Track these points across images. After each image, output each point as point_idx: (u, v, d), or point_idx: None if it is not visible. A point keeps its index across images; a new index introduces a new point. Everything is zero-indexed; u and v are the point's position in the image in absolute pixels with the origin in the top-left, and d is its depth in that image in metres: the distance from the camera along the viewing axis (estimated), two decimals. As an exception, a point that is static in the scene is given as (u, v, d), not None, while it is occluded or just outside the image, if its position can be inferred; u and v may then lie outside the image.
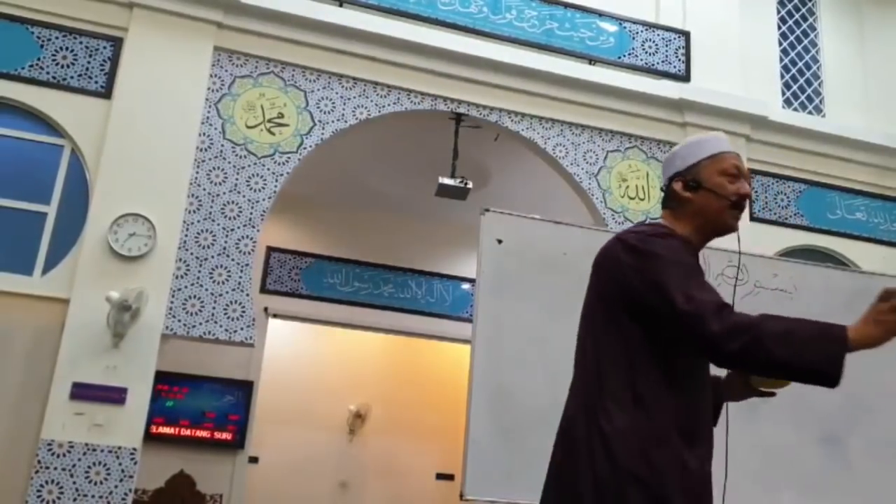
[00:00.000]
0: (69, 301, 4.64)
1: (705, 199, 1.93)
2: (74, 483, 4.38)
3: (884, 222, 6.54)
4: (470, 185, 5.90)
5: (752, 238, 5.87)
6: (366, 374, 8.69)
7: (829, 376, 1.60)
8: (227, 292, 4.91)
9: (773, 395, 1.90)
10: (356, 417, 8.59)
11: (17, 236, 4.80)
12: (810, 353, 1.62)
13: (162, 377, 5.60)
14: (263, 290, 7.65)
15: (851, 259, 6.31)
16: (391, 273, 8.18)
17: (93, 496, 4.39)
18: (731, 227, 1.96)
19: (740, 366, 1.74)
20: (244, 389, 7.31)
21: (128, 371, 4.60)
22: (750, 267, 4.46)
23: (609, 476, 1.70)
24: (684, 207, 1.97)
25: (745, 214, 5.98)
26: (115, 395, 4.55)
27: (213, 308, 4.87)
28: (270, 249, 7.77)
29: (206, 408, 7.14)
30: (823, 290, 4.40)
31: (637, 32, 6.25)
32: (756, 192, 6.26)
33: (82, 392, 4.50)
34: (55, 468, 4.38)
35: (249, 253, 5.02)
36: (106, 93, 5.06)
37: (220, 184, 5.08)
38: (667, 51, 6.30)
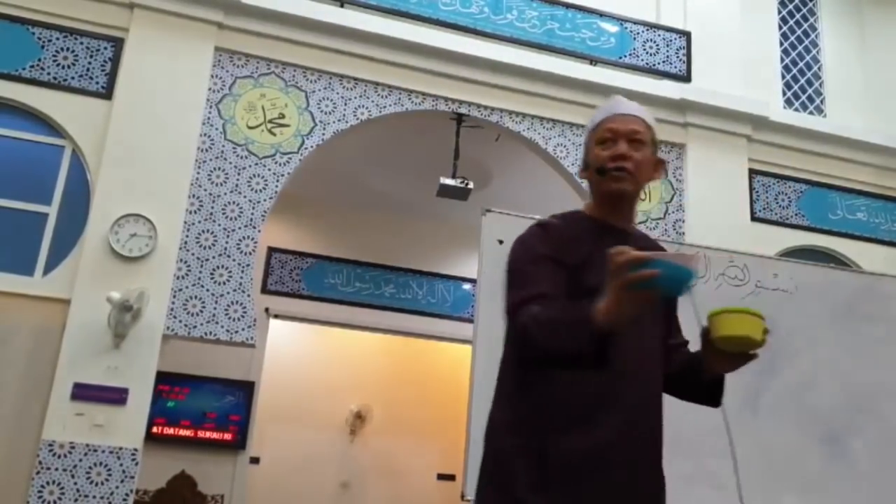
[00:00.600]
0: (70, 301, 4.64)
1: (591, 175, 1.93)
2: (75, 484, 4.38)
3: (885, 222, 6.54)
4: (471, 186, 5.90)
5: (753, 238, 5.87)
6: (367, 375, 8.69)
7: (589, 360, 1.54)
8: (228, 293, 4.91)
9: (754, 356, 1.71)
10: (357, 418, 8.60)
11: (17, 237, 4.80)
12: (568, 341, 1.56)
13: (163, 377, 5.59)
14: (264, 290, 7.64)
15: (853, 259, 6.30)
16: (392, 273, 8.18)
17: (94, 497, 4.39)
18: (615, 192, 1.89)
19: (536, 363, 1.70)
20: (245, 390, 7.31)
21: (129, 371, 4.60)
22: (750, 267, 4.45)
23: (481, 470, 1.78)
24: (590, 189, 1.99)
25: (746, 214, 6.02)
26: (116, 396, 4.55)
27: (215, 308, 4.87)
28: (271, 250, 7.77)
29: (207, 408, 7.14)
30: (824, 290, 4.40)
31: (638, 33, 6.25)
32: (757, 192, 6.25)
33: (83, 392, 4.50)
34: (56, 469, 4.38)
35: (250, 253, 5.02)
36: (107, 93, 5.06)
37: (220, 184, 5.08)
38: (668, 51, 6.30)
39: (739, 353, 1.69)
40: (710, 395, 1.93)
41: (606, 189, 1.89)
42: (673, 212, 5.91)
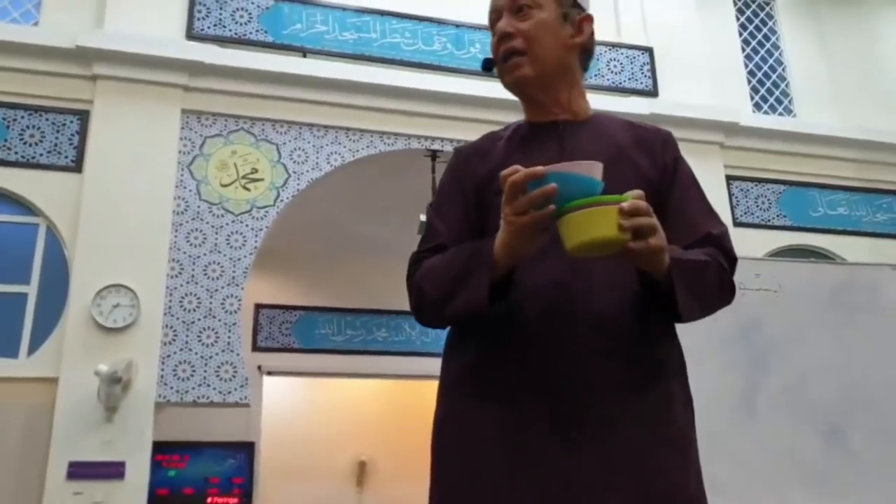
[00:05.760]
0: (58, 379, 4.57)
1: None
2: (79, 565, 4.28)
3: (866, 214, 6.56)
4: (451, 221, 5.88)
5: (737, 243, 5.80)
6: (368, 423, 8.58)
7: (482, 310, 1.30)
8: (216, 354, 4.85)
9: (632, 251, 1.20)
10: (363, 467, 8.48)
11: (-1, 320, 4.74)
12: (462, 292, 1.31)
13: (161, 447, 5.51)
14: (255, 348, 7.57)
15: (838, 254, 6.31)
16: (383, 317, 8.11)
17: (99, 577, 4.29)
18: (515, 85, 1.52)
19: (428, 324, 1.46)
20: (245, 451, 7.21)
21: (124, 444, 4.52)
22: (734, 271, 4.43)
23: None
24: None
25: (728, 220, 6.00)
26: (113, 470, 4.46)
27: (205, 371, 4.80)
28: (258, 307, 7.71)
29: (209, 473, 7.03)
30: (807, 285, 4.38)
31: (601, 53, 6.29)
32: (736, 197, 6.27)
33: (79, 471, 4.41)
34: (58, 552, 4.28)
35: (235, 312, 4.97)
36: (76, 167, 5.03)
37: (199, 245, 5.04)
38: (632, 68, 6.34)
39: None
40: (661, 306, 1.37)
41: (506, 86, 1.54)
42: (655, 226, 5.90)
